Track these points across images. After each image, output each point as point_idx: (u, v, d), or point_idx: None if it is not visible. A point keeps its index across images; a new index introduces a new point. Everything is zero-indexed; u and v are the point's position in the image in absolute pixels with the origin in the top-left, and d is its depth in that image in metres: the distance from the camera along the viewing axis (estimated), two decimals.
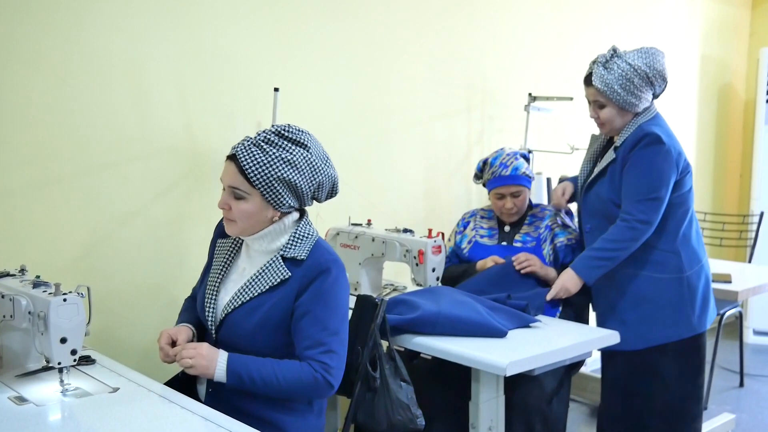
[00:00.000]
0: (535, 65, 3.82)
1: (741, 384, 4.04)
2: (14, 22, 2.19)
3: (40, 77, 2.25)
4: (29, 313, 1.68)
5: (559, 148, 3.69)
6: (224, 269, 1.90)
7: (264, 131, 1.81)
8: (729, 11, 5.17)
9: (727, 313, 3.62)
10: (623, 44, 2.54)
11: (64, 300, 1.64)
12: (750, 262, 4.44)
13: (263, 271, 1.82)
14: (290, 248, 1.82)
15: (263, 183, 1.76)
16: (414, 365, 2.33)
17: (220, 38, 2.65)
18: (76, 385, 1.72)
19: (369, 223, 2.68)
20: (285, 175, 1.76)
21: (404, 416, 2.00)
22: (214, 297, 1.87)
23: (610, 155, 2.47)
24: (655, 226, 2.39)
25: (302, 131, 1.83)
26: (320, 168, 1.82)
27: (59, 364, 1.66)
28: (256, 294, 1.80)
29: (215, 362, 1.72)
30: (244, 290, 1.82)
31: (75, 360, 1.67)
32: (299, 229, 1.85)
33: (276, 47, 2.81)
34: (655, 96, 2.47)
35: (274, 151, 1.77)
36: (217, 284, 1.88)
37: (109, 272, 2.43)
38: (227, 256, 1.92)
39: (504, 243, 2.74)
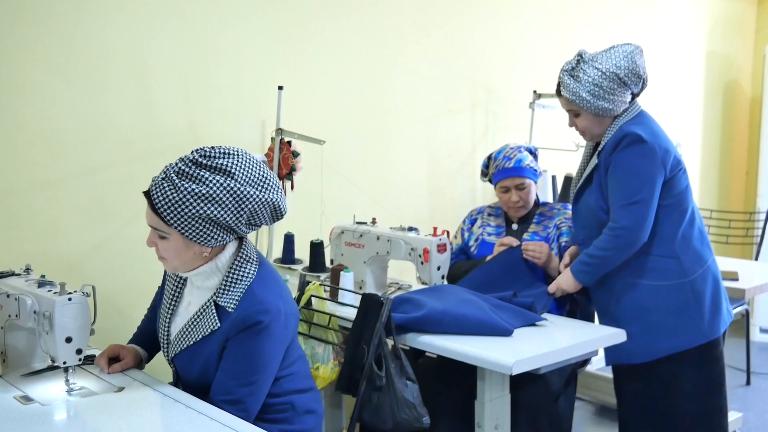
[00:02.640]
0: (539, 62, 3.80)
1: (748, 382, 4.02)
2: (17, 21, 2.18)
3: (43, 77, 2.25)
4: (34, 312, 1.68)
5: (564, 145, 3.67)
6: (173, 301, 1.82)
7: (182, 159, 1.64)
8: (734, 7, 5.15)
9: (734, 311, 3.60)
10: (628, 41, 2.50)
11: (69, 299, 1.64)
12: (756, 259, 4.42)
13: (198, 316, 1.73)
14: (222, 294, 1.70)
15: (178, 222, 1.61)
16: (419, 364, 2.33)
17: (224, 36, 2.64)
18: (81, 385, 1.72)
19: (374, 221, 2.67)
20: (202, 211, 1.60)
21: (410, 415, 1.99)
22: (166, 331, 1.81)
23: (593, 161, 2.37)
24: (646, 230, 2.27)
25: (228, 154, 1.64)
26: (248, 196, 1.63)
27: (64, 363, 1.66)
28: (191, 342, 1.73)
29: None
30: (183, 336, 1.75)
31: (80, 359, 1.68)
32: (233, 270, 1.71)
33: (280, 46, 2.80)
34: (635, 95, 2.34)
35: (188, 185, 1.60)
36: (167, 319, 1.82)
37: (114, 271, 2.43)
38: (175, 287, 1.83)
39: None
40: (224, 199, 1.61)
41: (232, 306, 1.68)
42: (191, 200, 1.60)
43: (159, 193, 1.62)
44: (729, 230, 4.58)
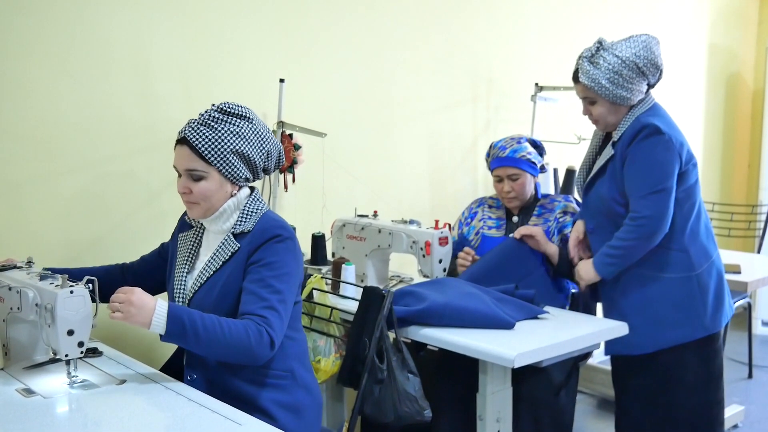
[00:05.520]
0: (541, 55, 3.79)
1: (750, 375, 4.03)
2: (17, 14, 2.18)
3: (43, 70, 2.24)
4: (36, 305, 1.68)
5: (566, 138, 3.67)
6: (189, 261, 1.92)
7: (206, 111, 1.86)
8: (737, 0, 5.13)
9: (736, 304, 3.60)
10: (630, 33, 2.49)
11: (71, 292, 1.64)
12: (759, 252, 4.42)
13: (217, 251, 1.85)
14: (239, 225, 1.85)
15: (218, 158, 1.80)
16: (421, 357, 2.33)
17: (225, 29, 2.63)
18: (83, 377, 1.73)
19: (375, 214, 2.67)
20: (236, 147, 1.82)
21: (411, 408, 1.99)
22: (182, 288, 1.88)
23: (608, 151, 2.36)
24: (667, 219, 2.27)
25: (242, 106, 1.87)
26: (266, 137, 1.88)
27: (66, 356, 1.66)
28: (212, 273, 1.83)
29: (149, 308, 1.62)
30: (203, 272, 1.85)
31: (82, 352, 1.67)
32: (248, 205, 1.88)
33: (281, 38, 2.79)
34: (651, 86, 2.35)
35: (221, 126, 1.82)
36: (183, 276, 1.89)
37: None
38: (191, 249, 1.94)
39: (512, 234, 2.72)
40: (251, 137, 1.84)
41: (249, 227, 1.84)
42: (228, 137, 1.81)
43: (198, 136, 1.81)
44: (731, 223, 4.58)
